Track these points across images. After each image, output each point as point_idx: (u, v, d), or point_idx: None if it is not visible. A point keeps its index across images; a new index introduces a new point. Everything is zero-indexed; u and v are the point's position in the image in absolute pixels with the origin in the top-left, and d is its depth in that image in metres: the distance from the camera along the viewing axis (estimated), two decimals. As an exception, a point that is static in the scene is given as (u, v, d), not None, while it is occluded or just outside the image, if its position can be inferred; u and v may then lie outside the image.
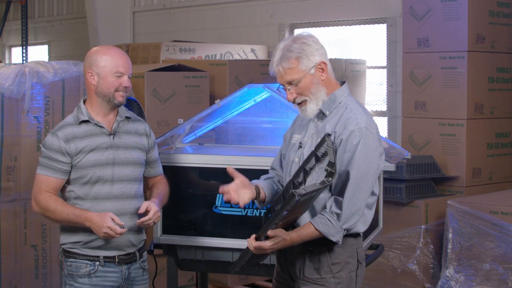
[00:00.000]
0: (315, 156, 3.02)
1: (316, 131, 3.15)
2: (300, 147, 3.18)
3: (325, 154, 2.98)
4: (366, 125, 3.06)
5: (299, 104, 3.13)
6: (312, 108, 3.12)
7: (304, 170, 3.05)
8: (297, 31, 7.85)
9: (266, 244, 2.98)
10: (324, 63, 3.11)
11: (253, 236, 3.01)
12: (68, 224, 3.38)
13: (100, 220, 3.28)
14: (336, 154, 3.01)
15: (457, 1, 5.67)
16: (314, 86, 3.10)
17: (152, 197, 3.54)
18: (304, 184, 3.05)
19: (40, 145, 3.42)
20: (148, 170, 3.59)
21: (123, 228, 3.31)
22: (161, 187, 3.60)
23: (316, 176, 3.01)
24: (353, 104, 3.14)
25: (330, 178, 2.92)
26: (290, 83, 3.10)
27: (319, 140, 3.09)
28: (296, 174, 3.09)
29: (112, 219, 3.28)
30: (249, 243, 3.01)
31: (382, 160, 3.15)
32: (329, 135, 3.01)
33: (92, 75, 3.39)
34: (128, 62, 3.43)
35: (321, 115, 3.16)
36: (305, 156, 3.11)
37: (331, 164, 2.92)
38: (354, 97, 3.21)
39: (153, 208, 3.39)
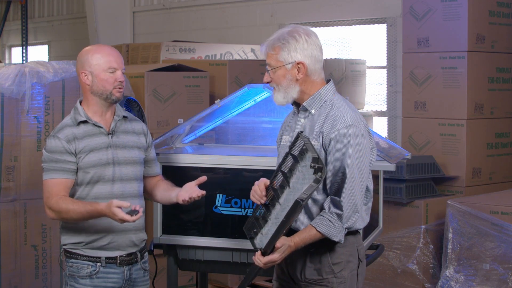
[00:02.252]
0: (292, 156, 2.98)
1: (303, 131, 3.15)
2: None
3: (303, 152, 2.95)
4: (354, 122, 3.06)
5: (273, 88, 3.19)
6: (277, 98, 3.16)
7: (282, 173, 3.01)
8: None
9: (275, 256, 2.99)
10: (302, 64, 3.11)
11: (259, 253, 3.01)
12: (86, 221, 3.35)
13: (110, 213, 3.20)
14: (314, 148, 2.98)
15: (457, 1, 5.67)
16: (285, 80, 3.12)
17: (172, 188, 3.52)
18: (288, 186, 3.02)
19: (43, 150, 3.39)
20: (146, 169, 3.58)
21: (135, 212, 3.21)
22: (169, 182, 3.59)
23: (302, 176, 2.98)
24: (339, 102, 3.14)
25: (320, 173, 2.89)
26: (269, 65, 3.15)
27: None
28: (273, 177, 3.05)
29: (120, 206, 3.19)
30: (256, 260, 3.00)
31: (373, 155, 3.16)
32: (301, 132, 2.99)
33: (85, 75, 3.38)
34: (120, 58, 3.41)
35: (306, 114, 3.16)
36: None
37: (316, 160, 2.89)
38: (340, 95, 3.22)
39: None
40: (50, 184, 3.33)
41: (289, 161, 2.99)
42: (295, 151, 2.96)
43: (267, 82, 3.18)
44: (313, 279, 3.13)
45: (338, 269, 3.11)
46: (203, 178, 3.46)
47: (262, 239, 3.11)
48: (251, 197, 3.14)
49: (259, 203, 3.11)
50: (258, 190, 3.09)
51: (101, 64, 3.35)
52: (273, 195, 3.06)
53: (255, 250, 3.14)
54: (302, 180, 2.96)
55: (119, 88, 3.38)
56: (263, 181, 3.11)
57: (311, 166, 2.91)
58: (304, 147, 2.92)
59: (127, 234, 3.41)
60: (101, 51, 3.39)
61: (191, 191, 3.42)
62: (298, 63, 3.10)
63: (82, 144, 3.36)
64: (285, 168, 3.01)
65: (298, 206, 2.86)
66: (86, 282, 3.38)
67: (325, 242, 3.07)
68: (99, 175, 3.37)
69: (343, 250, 3.12)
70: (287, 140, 3.23)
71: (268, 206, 3.09)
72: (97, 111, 3.42)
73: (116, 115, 3.46)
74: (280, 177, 3.03)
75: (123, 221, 3.21)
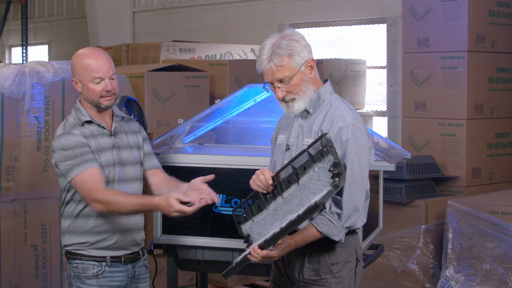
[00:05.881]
0: (309, 154, 2.95)
1: (301, 131, 3.15)
2: (288, 149, 3.17)
3: (322, 154, 2.93)
4: (353, 121, 3.07)
5: (286, 101, 3.11)
6: (299, 106, 3.11)
7: (292, 167, 2.99)
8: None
9: (274, 253, 2.97)
10: (312, 60, 3.11)
11: (256, 246, 2.97)
12: (135, 214, 3.35)
13: (167, 205, 3.15)
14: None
15: (457, 1, 5.67)
16: (304, 83, 3.09)
17: (178, 185, 3.44)
18: (297, 183, 3.01)
19: (56, 151, 3.31)
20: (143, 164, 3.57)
21: (187, 203, 3.16)
22: (172, 178, 3.52)
23: (317, 177, 2.98)
24: (337, 102, 3.14)
25: (337, 179, 2.87)
26: (281, 80, 3.07)
27: (305, 139, 3.08)
28: (281, 169, 3.02)
29: (178, 199, 3.15)
30: (254, 254, 2.96)
31: (371, 154, 3.16)
32: (325, 134, 2.96)
33: (76, 83, 3.38)
34: (107, 64, 3.33)
35: (305, 113, 3.15)
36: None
37: (337, 165, 2.87)
38: (338, 95, 3.22)
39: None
40: (86, 177, 3.26)
41: (303, 158, 2.97)
42: (313, 151, 2.94)
43: (282, 98, 3.10)
44: (311, 279, 3.13)
45: (337, 269, 3.11)
46: (211, 177, 3.30)
47: (252, 227, 3.10)
48: (252, 183, 3.09)
49: (260, 191, 3.08)
50: (264, 180, 3.05)
51: (87, 75, 3.32)
52: (275, 186, 3.05)
53: (240, 234, 3.14)
54: (316, 181, 2.94)
55: (107, 97, 3.35)
56: (267, 171, 3.08)
57: (330, 170, 2.89)
58: (325, 149, 2.90)
59: (131, 234, 3.43)
60: (88, 59, 3.33)
61: (199, 190, 3.23)
62: (308, 62, 3.09)
63: (91, 144, 3.35)
64: (297, 164, 2.99)
65: (317, 209, 2.85)
66: (92, 282, 3.38)
67: (324, 242, 3.07)
68: (106, 176, 3.35)
69: (341, 250, 3.12)
70: (283, 139, 3.22)
71: (266, 195, 3.07)
72: (96, 114, 3.41)
73: (115, 115, 3.46)
74: (288, 170, 3.01)
75: (178, 213, 3.13)
